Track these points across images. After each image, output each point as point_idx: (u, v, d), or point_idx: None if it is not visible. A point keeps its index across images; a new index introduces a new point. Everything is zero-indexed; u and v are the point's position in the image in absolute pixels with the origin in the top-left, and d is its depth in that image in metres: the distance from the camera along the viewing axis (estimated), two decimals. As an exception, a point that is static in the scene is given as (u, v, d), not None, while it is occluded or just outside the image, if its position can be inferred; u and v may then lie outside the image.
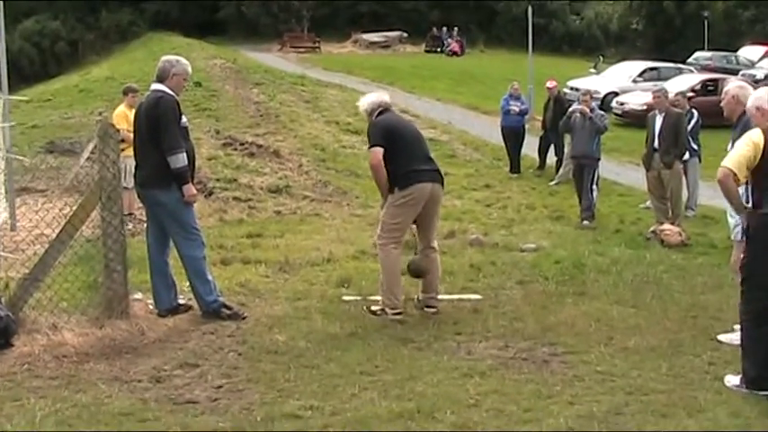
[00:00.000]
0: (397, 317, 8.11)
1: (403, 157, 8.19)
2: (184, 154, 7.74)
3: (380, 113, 8.48)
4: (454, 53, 50.25)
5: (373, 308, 8.28)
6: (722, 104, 7.69)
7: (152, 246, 8.08)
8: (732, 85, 7.86)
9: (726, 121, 7.72)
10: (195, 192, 7.97)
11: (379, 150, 8.14)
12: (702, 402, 6.08)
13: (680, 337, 7.49)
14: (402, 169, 8.13)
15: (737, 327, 7.59)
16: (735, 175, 6.34)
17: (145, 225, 8.58)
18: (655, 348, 7.26)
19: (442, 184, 8.52)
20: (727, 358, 7.07)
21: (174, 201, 7.79)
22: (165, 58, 8.18)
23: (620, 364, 6.87)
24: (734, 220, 7.46)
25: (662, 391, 6.29)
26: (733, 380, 6.70)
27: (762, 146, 6.41)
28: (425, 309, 8.43)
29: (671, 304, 7.49)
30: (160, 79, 7.96)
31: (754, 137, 6.49)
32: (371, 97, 8.66)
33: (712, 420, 5.77)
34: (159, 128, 7.71)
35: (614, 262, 10.78)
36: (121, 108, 13.38)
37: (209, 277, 8.06)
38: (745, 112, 7.50)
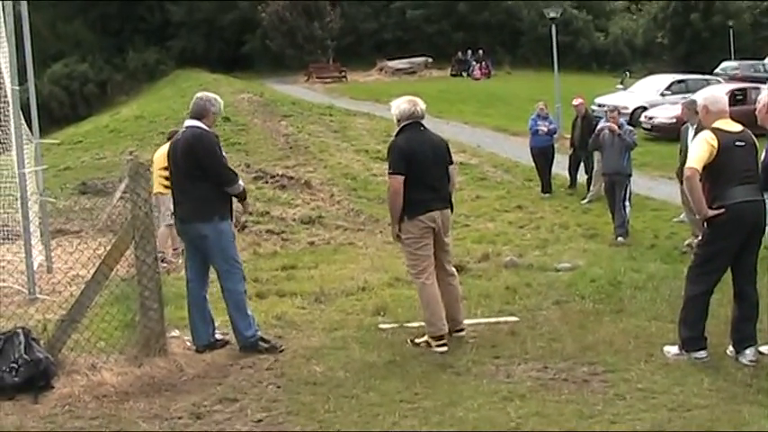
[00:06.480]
0: (441, 348, 7.91)
1: (415, 184, 7.99)
2: (241, 181, 8.12)
3: (407, 126, 8.28)
4: (476, 79, 50.33)
5: (417, 340, 8.14)
6: (757, 113, 7.76)
7: (192, 281, 8.11)
8: (767, 93, 7.84)
9: (758, 130, 7.66)
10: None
11: (401, 179, 7.97)
12: (747, 416, 6.01)
13: (720, 350, 7.40)
14: (412, 196, 7.99)
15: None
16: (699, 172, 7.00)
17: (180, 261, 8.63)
18: (695, 363, 7.19)
19: (452, 209, 8.41)
20: (771, 370, 7.00)
21: (217, 233, 7.85)
22: (201, 95, 8.20)
23: (662, 381, 6.81)
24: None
25: (705, 407, 6.23)
26: (672, 350, 7.39)
27: (716, 145, 6.99)
28: (454, 333, 8.27)
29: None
30: (198, 116, 8.01)
31: (708, 138, 7.07)
32: (404, 106, 8.31)
33: (758, 434, 5.71)
34: (203, 163, 7.79)
35: (651, 277, 10.70)
36: (164, 149, 13.38)
37: (249, 312, 8.09)
38: None
